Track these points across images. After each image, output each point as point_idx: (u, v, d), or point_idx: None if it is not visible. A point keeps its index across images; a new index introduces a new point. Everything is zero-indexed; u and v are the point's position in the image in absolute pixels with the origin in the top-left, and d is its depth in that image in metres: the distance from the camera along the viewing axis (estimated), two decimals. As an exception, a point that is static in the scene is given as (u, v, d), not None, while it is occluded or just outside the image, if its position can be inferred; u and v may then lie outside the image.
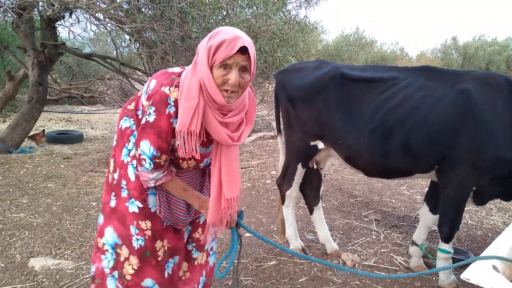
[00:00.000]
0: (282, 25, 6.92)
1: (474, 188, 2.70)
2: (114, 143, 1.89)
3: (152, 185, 1.72)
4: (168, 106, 1.60)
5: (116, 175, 1.84)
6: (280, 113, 3.28)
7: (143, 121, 1.65)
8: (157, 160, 1.66)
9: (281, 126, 3.33)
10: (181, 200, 1.86)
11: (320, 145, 3.07)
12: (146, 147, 1.63)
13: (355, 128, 2.83)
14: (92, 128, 9.40)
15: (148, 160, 1.65)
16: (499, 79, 2.65)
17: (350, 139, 2.87)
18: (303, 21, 7.69)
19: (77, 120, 10.47)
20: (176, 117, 1.61)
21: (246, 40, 1.56)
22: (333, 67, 2.99)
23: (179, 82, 1.62)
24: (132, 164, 1.78)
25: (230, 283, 2.15)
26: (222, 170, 1.74)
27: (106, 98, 12.54)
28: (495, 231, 3.87)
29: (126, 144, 1.81)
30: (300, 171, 3.20)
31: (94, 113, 11.60)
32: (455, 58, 26.76)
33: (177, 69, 1.73)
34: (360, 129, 2.81)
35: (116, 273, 1.82)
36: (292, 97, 3.08)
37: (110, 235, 1.83)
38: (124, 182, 1.80)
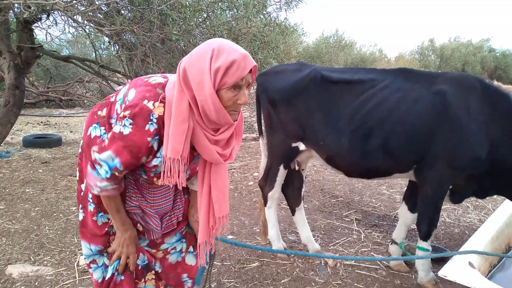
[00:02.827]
0: (262, 28, 6.95)
1: (450, 187, 2.78)
2: (80, 150, 1.76)
3: (95, 192, 1.60)
4: (149, 123, 1.47)
5: (83, 186, 1.76)
6: (262, 115, 3.30)
7: (115, 130, 1.51)
8: (116, 173, 1.54)
9: (263, 128, 3.35)
10: (154, 214, 1.79)
11: (302, 146, 3.10)
12: (110, 159, 1.50)
13: (335, 130, 2.87)
14: (71, 131, 9.24)
15: (106, 168, 1.52)
16: (473, 80, 2.74)
17: (330, 140, 2.91)
18: (283, 23, 7.74)
19: (56, 123, 10.27)
20: (157, 135, 1.50)
21: (250, 56, 1.47)
22: (313, 69, 3.03)
23: (164, 98, 1.50)
24: None
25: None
26: (212, 188, 1.65)
27: (85, 101, 12.35)
28: (472, 228, 3.97)
29: None
30: (282, 173, 3.22)
31: (73, 116, 11.39)
32: (432, 59, 27.31)
33: (159, 79, 1.60)
34: (340, 130, 2.85)
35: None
36: (273, 99, 3.11)
37: (87, 249, 1.79)
38: (91, 195, 1.71)
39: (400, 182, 5.38)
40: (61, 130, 9.38)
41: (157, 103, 1.49)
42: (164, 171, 1.51)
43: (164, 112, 1.49)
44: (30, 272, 2.98)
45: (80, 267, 3.05)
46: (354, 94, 2.87)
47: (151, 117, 1.47)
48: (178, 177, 1.52)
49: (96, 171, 1.54)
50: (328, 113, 2.92)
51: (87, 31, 6.04)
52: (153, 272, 1.91)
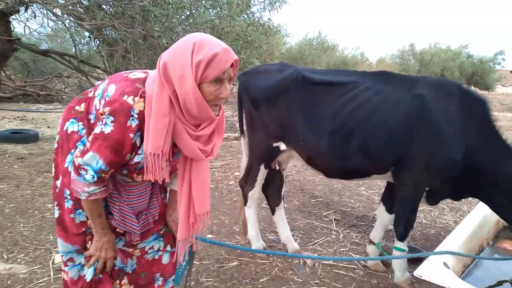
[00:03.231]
0: (246, 27, 6.95)
1: (427, 189, 2.83)
2: (56, 145, 1.72)
3: (83, 198, 1.56)
4: (130, 118, 1.45)
5: (58, 183, 1.70)
6: (243, 115, 3.30)
7: (96, 131, 1.49)
8: (103, 175, 1.51)
9: (244, 127, 3.35)
10: (130, 210, 1.75)
11: (282, 146, 3.11)
12: (93, 160, 1.48)
13: (316, 130, 2.89)
14: (49, 127, 9.04)
15: (92, 173, 1.49)
16: (451, 85, 2.80)
17: (310, 141, 2.92)
18: (267, 23, 7.76)
19: (33, 118, 10.04)
20: (139, 131, 1.48)
21: (232, 50, 1.47)
22: (295, 70, 3.04)
23: (144, 92, 1.48)
24: None
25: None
26: (193, 184, 1.64)
27: (64, 96, 12.12)
28: (447, 229, 4.06)
29: (72, 150, 1.64)
30: (262, 172, 3.22)
31: (51, 112, 11.16)
32: (412, 64, 27.79)
33: (139, 74, 1.58)
34: (320, 131, 2.87)
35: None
36: (255, 98, 3.11)
37: (64, 247, 1.74)
38: (67, 191, 1.67)
39: (378, 184, 5.45)
40: (38, 125, 9.17)
41: (137, 98, 1.47)
42: (145, 167, 1.50)
43: (144, 107, 1.47)
44: (2, 270, 2.90)
45: (56, 265, 2.99)
46: (335, 95, 2.89)
47: (132, 113, 1.46)
48: (159, 172, 1.50)
49: (82, 177, 1.51)
50: (308, 114, 2.94)
51: (67, 25, 5.92)
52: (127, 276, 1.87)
